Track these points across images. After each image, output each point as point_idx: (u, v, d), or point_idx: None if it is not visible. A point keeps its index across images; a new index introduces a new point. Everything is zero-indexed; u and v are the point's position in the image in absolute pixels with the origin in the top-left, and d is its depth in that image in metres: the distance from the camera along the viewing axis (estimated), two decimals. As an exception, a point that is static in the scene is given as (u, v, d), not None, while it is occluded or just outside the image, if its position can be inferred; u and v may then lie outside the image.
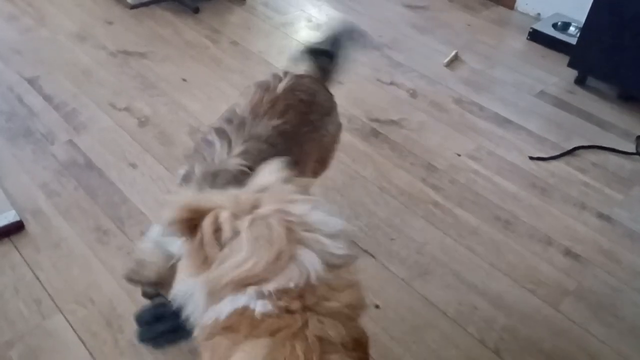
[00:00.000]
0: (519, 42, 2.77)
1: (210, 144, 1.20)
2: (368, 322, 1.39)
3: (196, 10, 2.76)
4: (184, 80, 2.30)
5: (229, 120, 1.24)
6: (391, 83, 2.39)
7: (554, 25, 2.75)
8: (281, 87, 1.33)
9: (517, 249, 1.68)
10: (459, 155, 2.02)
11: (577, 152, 2.07)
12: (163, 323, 1.19)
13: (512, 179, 1.93)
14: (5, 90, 2.12)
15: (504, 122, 2.20)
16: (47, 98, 2.10)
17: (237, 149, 1.18)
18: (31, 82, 2.18)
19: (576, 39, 2.43)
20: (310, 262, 0.75)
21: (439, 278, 1.57)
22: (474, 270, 1.61)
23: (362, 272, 0.87)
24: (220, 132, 1.21)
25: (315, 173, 1.50)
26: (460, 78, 2.45)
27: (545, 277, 1.61)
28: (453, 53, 2.57)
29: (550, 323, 1.49)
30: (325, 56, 1.52)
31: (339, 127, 1.51)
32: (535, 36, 2.73)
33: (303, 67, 1.51)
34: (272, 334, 0.71)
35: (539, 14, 2.96)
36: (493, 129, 2.16)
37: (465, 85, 2.40)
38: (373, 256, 1.61)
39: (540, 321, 1.49)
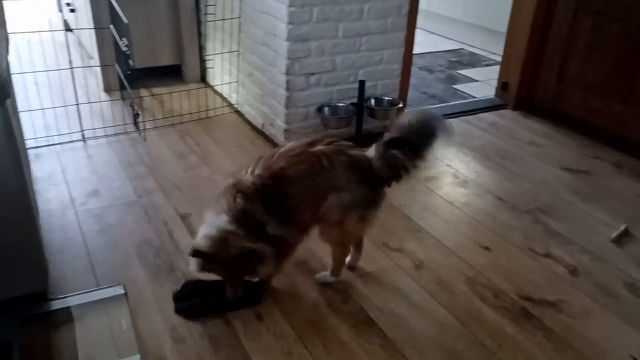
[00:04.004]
0: None
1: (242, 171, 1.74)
2: None
3: (343, 159, 2.83)
4: (323, 229, 2.28)
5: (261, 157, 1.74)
6: (547, 255, 2.13)
7: None
8: (316, 148, 1.70)
9: None
10: (635, 359, 1.66)
11: None
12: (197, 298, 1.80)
13: None
14: (160, 225, 2.26)
15: (694, 320, 1.80)
16: (194, 236, 2.19)
17: (256, 172, 1.67)
18: (184, 218, 2.31)
19: None
20: None
21: None
22: None
23: None
24: (253, 164, 1.73)
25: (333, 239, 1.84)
26: (632, 257, 2.12)
27: None
28: (622, 227, 2.25)
29: None
30: (397, 149, 1.71)
31: (345, 207, 1.71)
32: None
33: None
34: None
35: None
36: (679, 327, 1.77)
37: (640, 267, 2.06)
38: None
39: None
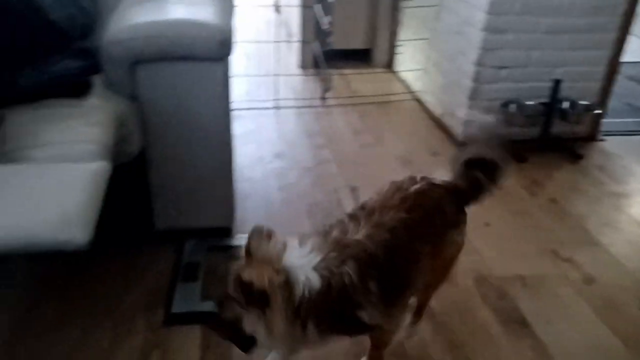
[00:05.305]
0: None
1: (341, 223, 1.31)
2: None
3: (522, 160, 2.71)
4: (487, 224, 2.24)
5: (362, 208, 1.36)
6: None
7: None
8: (413, 189, 1.41)
9: None
10: None
11: None
12: None
13: None
14: (331, 192, 2.43)
15: None
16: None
17: (363, 231, 1.26)
18: (352, 190, 2.45)
19: None
20: None
21: None
22: None
23: None
24: (352, 216, 1.33)
25: (432, 279, 1.52)
26: None
27: None
28: None
29: None
30: (480, 168, 1.48)
31: (460, 244, 1.52)
32: None
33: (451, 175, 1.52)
34: None
35: None
36: None
37: None
38: None
39: None
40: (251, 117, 3.15)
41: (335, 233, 1.26)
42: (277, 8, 4.57)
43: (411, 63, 3.50)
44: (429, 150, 2.84)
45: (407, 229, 1.30)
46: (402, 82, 3.66)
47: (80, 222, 1.08)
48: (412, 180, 1.44)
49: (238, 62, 3.48)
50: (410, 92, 3.51)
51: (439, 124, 3.09)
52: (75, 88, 1.60)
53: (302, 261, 1.16)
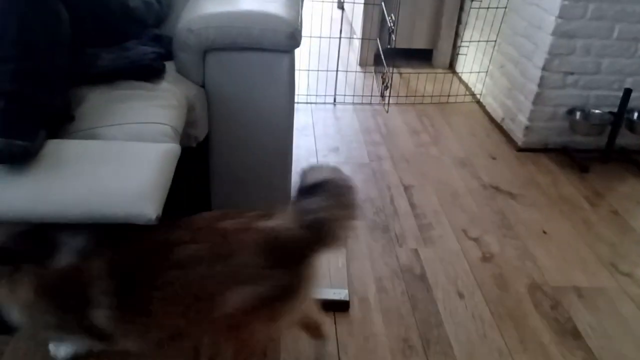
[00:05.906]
0: None
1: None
2: None
3: (584, 169, 2.63)
4: (544, 232, 2.19)
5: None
6: None
7: None
8: (227, 224, 1.19)
9: None
10: None
11: None
12: None
13: None
14: (384, 188, 2.44)
15: None
16: (412, 206, 2.31)
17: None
18: (406, 188, 2.45)
19: None
20: None
21: None
22: None
23: None
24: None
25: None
26: None
27: None
28: None
29: None
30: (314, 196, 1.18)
31: (269, 303, 1.17)
32: None
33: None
34: None
35: None
36: None
37: None
38: None
39: None
40: (309, 111, 3.20)
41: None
42: (341, 4, 4.59)
43: (474, 65, 3.45)
44: (487, 153, 2.80)
45: (170, 257, 1.16)
46: (463, 83, 3.61)
47: (152, 198, 1.14)
48: (230, 216, 1.22)
49: (299, 56, 3.53)
50: (471, 94, 3.46)
51: (498, 128, 3.04)
52: (149, 72, 1.67)
53: (70, 243, 1.15)
